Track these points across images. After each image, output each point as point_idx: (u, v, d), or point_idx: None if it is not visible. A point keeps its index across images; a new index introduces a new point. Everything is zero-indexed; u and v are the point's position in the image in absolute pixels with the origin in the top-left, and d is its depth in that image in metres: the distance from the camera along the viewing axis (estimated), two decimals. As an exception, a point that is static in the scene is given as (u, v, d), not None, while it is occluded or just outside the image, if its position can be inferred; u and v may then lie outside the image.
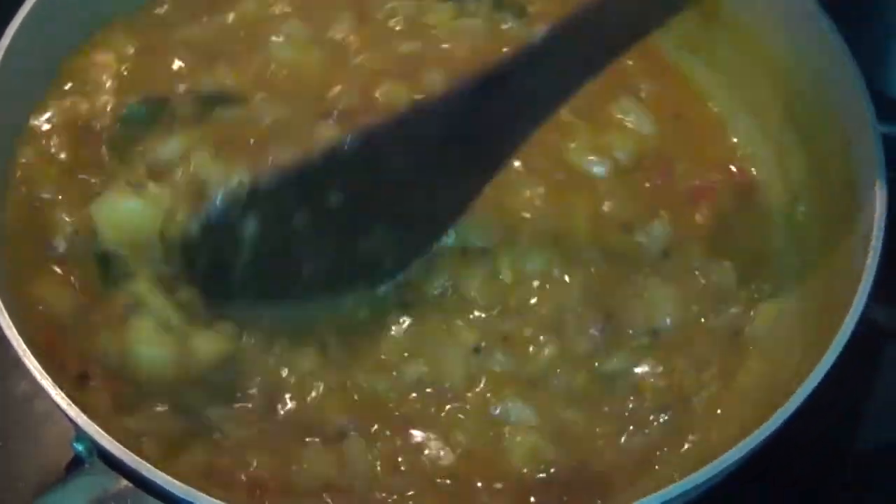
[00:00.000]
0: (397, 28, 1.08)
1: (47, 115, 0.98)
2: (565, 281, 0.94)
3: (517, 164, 0.97)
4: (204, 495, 0.75)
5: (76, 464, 0.81)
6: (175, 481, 0.75)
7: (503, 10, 1.10)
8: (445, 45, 1.06)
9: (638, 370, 0.93)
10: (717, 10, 1.07)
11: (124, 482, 0.77)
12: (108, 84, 1.00)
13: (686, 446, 0.91)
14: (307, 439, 0.88)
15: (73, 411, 0.78)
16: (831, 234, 0.95)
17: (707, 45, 1.09)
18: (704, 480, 0.78)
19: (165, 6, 1.07)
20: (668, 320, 0.95)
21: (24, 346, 0.80)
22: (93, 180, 0.96)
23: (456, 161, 0.87)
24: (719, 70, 1.09)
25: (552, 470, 0.88)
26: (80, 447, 0.80)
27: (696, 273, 0.97)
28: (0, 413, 1.01)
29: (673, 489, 0.77)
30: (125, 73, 1.01)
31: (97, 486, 0.78)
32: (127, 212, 0.92)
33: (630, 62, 1.05)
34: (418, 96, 0.98)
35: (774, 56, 1.04)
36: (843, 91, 0.95)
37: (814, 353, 0.84)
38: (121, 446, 0.76)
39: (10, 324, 0.80)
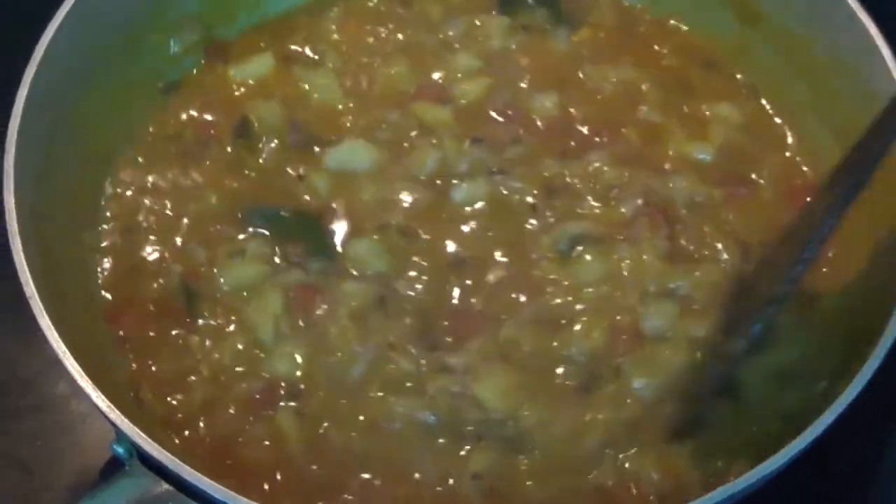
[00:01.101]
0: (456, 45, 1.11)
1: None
2: None
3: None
4: (245, 499, 0.75)
5: (115, 465, 0.81)
6: (216, 484, 0.75)
7: (560, 24, 1.12)
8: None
9: None
10: (755, 11, 1.07)
11: (165, 485, 0.78)
12: None
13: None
14: None
15: (115, 414, 0.78)
16: (867, 241, 0.94)
17: (744, 47, 1.09)
18: (737, 491, 0.78)
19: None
20: None
21: (64, 348, 0.80)
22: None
23: None
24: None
25: None
26: (120, 449, 0.80)
27: None
28: (38, 412, 1.02)
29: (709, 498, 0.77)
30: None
31: (138, 489, 0.78)
32: None
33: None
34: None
35: (811, 56, 1.03)
36: (882, 92, 0.93)
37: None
38: (162, 449, 0.76)
39: (50, 324, 0.81)
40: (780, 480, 0.82)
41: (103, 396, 0.79)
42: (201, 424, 0.91)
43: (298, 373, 0.92)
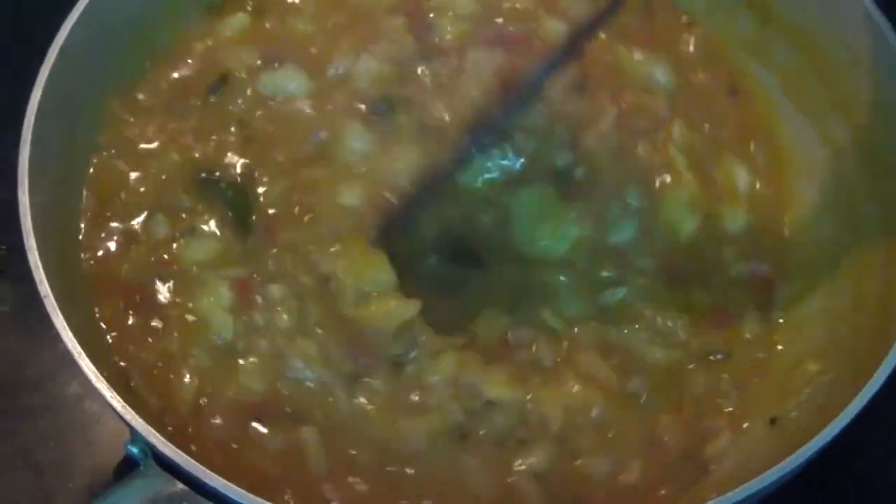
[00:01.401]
0: None
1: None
2: None
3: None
4: (260, 500, 0.75)
5: (129, 465, 0.81)
6: (231, 485, 0.75)
7: None
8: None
9: None
10: (770, 10, 1.07)
11: (179, 485, 0.78)
12: None
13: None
14: None
15: (129, 414, 0.78)
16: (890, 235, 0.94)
17: (763, 47, 1.08)
18: (756, 491, 0.78)
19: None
20: None
21: (80, 348, 0.80)
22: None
23: None
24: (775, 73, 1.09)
25: None
26: (134, 449, 0.80)
27: None
28: (51, 413, 1.02)
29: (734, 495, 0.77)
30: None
31: (152, 489, 0.78)
32: None
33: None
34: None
35: (829, 57, 1.03)
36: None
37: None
38: (177, 449, 0.76)
39: (65, 324, 0.81)
40: (799, 479, 0.82)
41: (118, 397, 0.79)
42: (190, 430, 0.89)
43: (285, 391, 0.90)
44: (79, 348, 0.80)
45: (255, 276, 0.94)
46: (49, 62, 0.90)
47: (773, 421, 0.91)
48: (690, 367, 0.95)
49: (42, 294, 0.82)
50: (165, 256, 0.95)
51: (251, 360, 0.91)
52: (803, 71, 1.05)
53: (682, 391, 0.94)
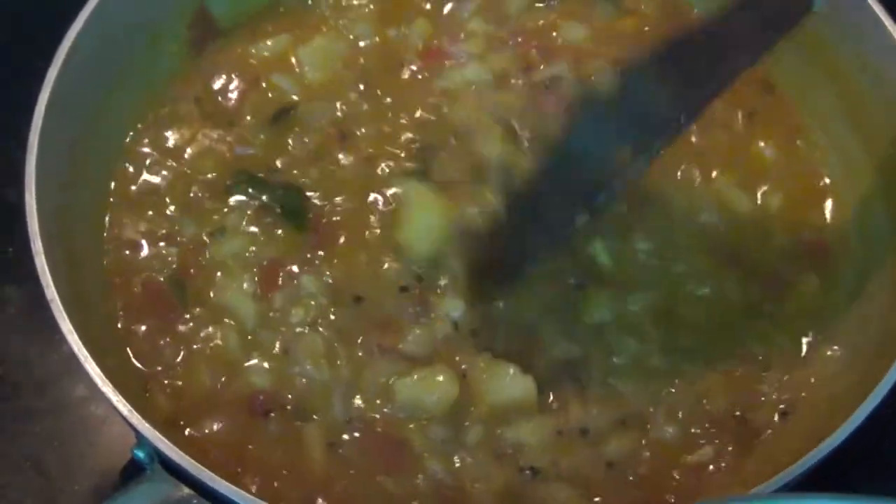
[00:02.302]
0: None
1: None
2: None
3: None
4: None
5: (136, 470, 0.81)
6: (239, 490, 0.75)
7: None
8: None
9: None
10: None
11: (186, 490, 0.78)
12: None
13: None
14: None
15: (136, 419, 0.78)
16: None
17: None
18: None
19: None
20: None
21: (86, 352, 0.80)
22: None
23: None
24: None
25: None
26: (140, 454, 0.80)
27: None
28: (56, 416, 1.01)
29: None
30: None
31: (159, 493, 0.78)
32: None
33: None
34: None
35: (838, 62, 1.02)
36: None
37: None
38: (184, 454, 0.76)
39: (71, 328, 0.80)
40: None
41: (124, 401, 0.78)
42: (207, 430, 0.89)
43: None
44: (85, 352, 0.80)
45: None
46: (57, 62, 0.90)
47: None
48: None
49: (48, 298, 0.82)
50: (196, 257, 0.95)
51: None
52: (815, 78, 1.05)
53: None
